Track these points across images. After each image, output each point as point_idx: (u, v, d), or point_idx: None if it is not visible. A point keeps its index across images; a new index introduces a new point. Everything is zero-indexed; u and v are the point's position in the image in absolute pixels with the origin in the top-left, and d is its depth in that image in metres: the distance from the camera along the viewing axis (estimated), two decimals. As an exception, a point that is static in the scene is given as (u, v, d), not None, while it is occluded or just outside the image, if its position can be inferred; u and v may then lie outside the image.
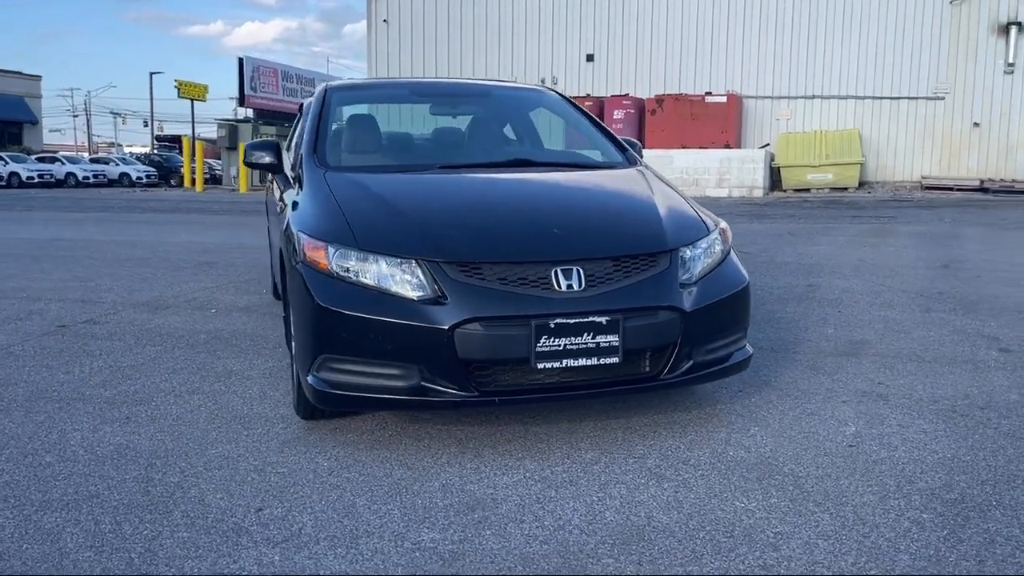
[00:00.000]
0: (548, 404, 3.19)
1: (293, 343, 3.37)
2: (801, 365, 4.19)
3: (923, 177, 18.04)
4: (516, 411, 3.36)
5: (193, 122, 47.72)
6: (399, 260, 2.87)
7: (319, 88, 4.41)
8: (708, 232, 3.29)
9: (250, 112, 29.33)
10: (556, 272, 2.86)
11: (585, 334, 2.81)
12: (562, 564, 2.25)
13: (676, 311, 2.95)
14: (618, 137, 4.25)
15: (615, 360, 2.87)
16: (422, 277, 2.84)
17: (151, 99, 58.45)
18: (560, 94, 4.73)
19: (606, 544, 2.35)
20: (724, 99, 18.27)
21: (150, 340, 4.81)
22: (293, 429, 3.30)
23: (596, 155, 4.11)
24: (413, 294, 2.82)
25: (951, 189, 17.29)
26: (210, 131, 52.99)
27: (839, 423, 3.34)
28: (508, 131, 4.46)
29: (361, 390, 2.89)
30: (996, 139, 17.86)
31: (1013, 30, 17.47)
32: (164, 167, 36.61)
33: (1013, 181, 17.15)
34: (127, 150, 54.52)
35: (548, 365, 2.81)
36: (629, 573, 2.20)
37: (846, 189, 17.67)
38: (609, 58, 20.11)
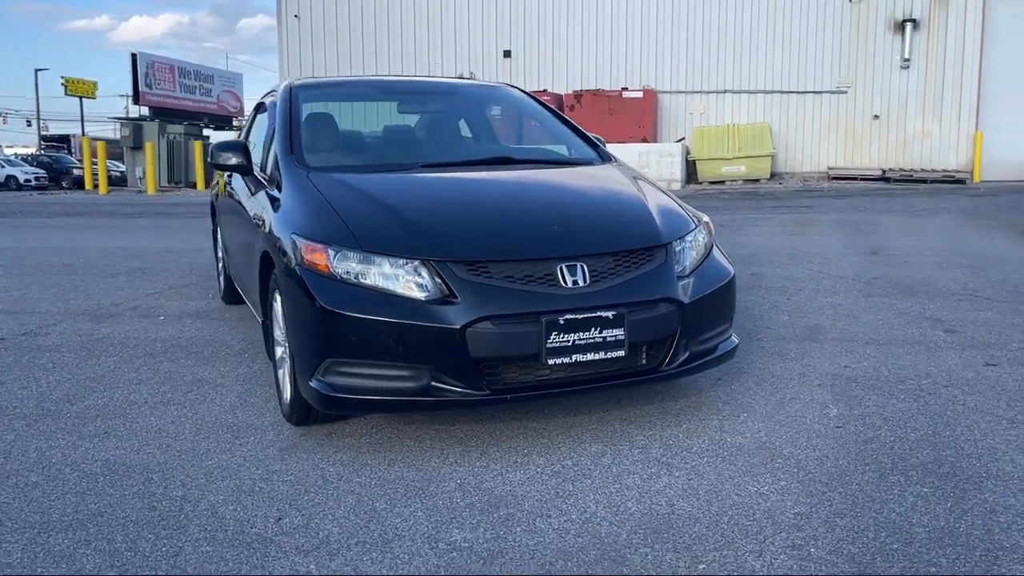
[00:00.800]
0: (556, 399, 3.21)
1: (283, 348, 3.30)
2: (767, 352, 4.33)
3: (829, 168, 18.83)
4: (519, 408, 3.38)
5: (83, 121, 45.56)
6: (403, 261, 2.85)
7: (282, 86, 4.31)
8: (694, 226, 3.37)
9: (145, 110, 28.27)
10: (561, 269, 2.89)
11: (592, 329, 2.85)
12: (601, 556, 2.28)
13: (675, 303, 3.03)
14: (588, 134, 4.31)
15: (620, 353, 2.92)
16: (427, 277, 2.82)
17: (36, 97, 55.45)
18: (523, 91, 4.76)
19: (638, 534, 2.40)
20: (640, 94, 18.64)
21: (103, 351, 4.62)
22: (286, 436, 3.23)
23: (569, 151, 4.15)
24: (420, 294, 2.81)
25: (855, 179, 18.11)
26: (100, 130, 50.63)
27: (820, 406, 3.48)
28: (479, 128, 4.45)
29: (370, 392, 2.85)
30: (895, 131, 18.80)
31: (908, 27, 18.40)
32: (54, 168, 34.73)
33: (912, 170, 18.09)
34: (7, 151, 51.56)
35: (558, 361, 2.84)
36: (670, 561, 2.25)
37: (758, 180, 18.28)
38: (527, 54, 20.24)
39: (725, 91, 19.26)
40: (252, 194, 3.92)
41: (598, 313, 2.86)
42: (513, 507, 2.59)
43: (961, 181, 17.54)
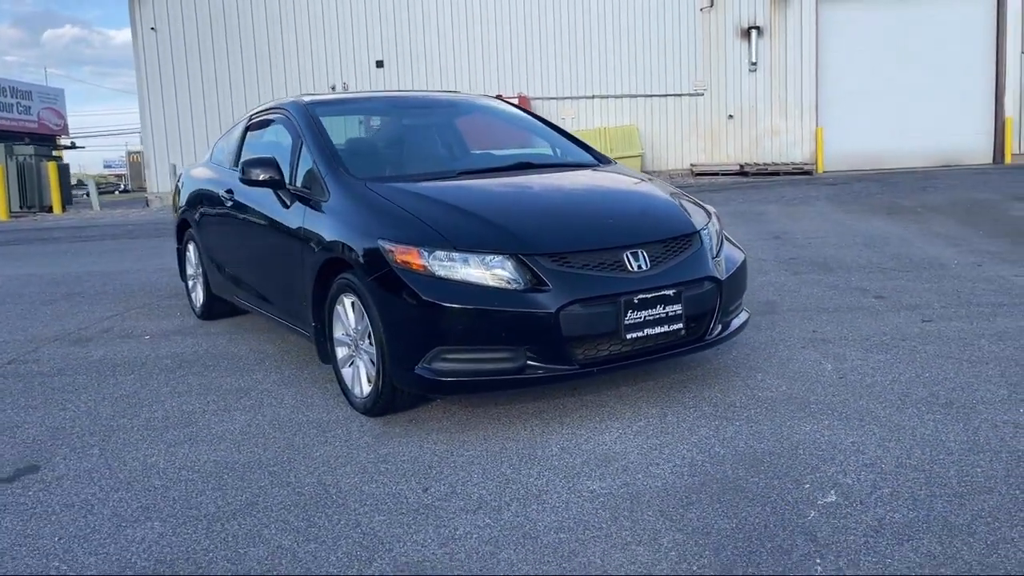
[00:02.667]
0: (629, 369, 3.61)
1: (348, 347, 3.58)
2: (742, 325, 4.94)
3: (692, 165, 20.19)
4: (597, 380, 3.77)
5: None
6: (493, 256, 3.20)
7: (296, 104, 4.52)
8: (710, 216, 3.91)
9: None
10: (627, 255, 3.34)
11: (658, 306, 3.32)
12: (722, 488, 2.74)
13: (715, 281, 3.54)
14: (580, 139, 4.79)
15: (679, 326, 3.40)
16: (515, 270, 3.19)
17: None
18: (509, 102, 5.17)
19: (739, 470, 2.88)
20: (516, 101, 19.28)
21: (114, 371, 4.65)
22: (371, 427, 3.50)
23: (578, 156, 4.60)
24: (512, 285, 3.18)
25: (717, 174, 19.53)
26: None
27: (815, 363, 4.09)
28: (485, 138, 4.83)
29: (472, 375, 3.19)
30: (748, 129, 20.39)
31: (754, 34, 20.03)
32: None
33: (765, 164, 19.71)
34: None
35: (633, 335, 3.29)
36: (777, 485, 2.75)
37: (629, 180, 19.36)
38: (400, 63, 20.47)
39: (594, 96, 20.25)
40: (286, 207, 4.11)
41: (662, 292, 3.33)
42: (623, 460, 3.01)
43: (808, 172, 19.27)
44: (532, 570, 2.28)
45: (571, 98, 20.34)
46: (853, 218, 9.92)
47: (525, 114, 5.01)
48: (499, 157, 4.52)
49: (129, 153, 66.36)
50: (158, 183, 20.93)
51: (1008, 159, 19.60)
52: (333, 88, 20.80)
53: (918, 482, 2.70)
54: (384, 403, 3.46)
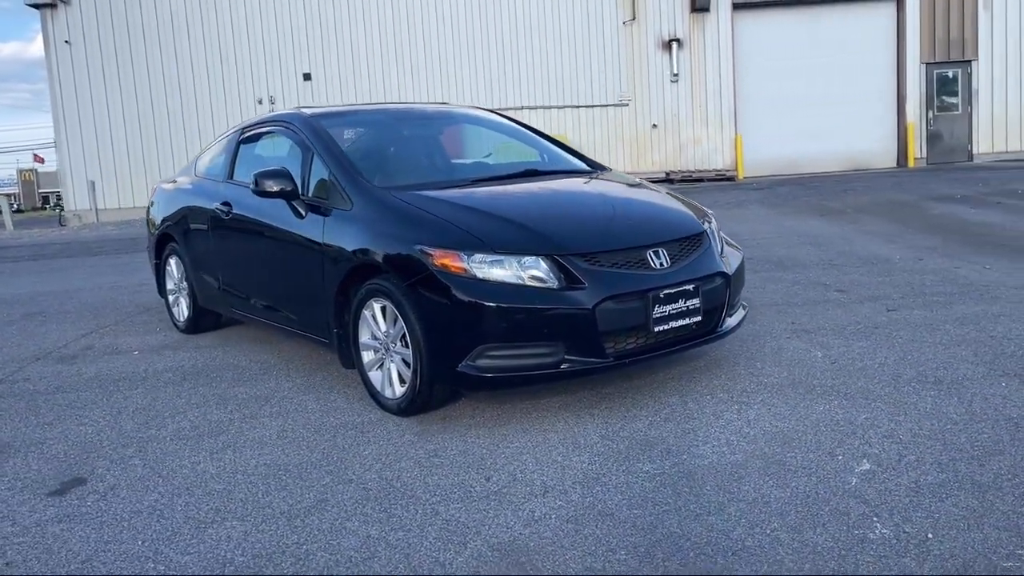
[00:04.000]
0: (655, 360, 3.81)
1: (377, 350, 3.72)
2: (724, 320, 5.24)
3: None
4: (627, 371, 3.94)
5: None
6: (530, 257, 3.39)
7: (300, 116, 4.61)
8: (709, 217, 4.19)
9: None
10: (650, 254, 3.58)
11: (680, 300, 3.57)
12: (767, 463, 2.99)
13: (725, 276, 3.82)
14: (573, 148, 5.02)
15: (698, 319, 3.66)
16: (548, 270, 3.39)
17: None
18: (496, 112, 5.38)
19: (774, 446, 3.14)
20: (446, 112, 19.47)
21: (118, 386, 4.63)
22: (409, 425, 3.63)
23: (576, 163, 4.83)
24: (550, 284, 3.37)
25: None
26: None
27: (805, 351, 4.41)
28: (484, 146, 5.01)
29: (515, 371, 3.37)
30: (671, 137, 21.10)
31: (675, 46, 20.77)
32: None
33: (690, 171, 20.44)
34: None
35: (660, 328, 3.52)
36: (814, 457, 3.01)
37: (560, 188, 19.80)
38: (327, 76, 20.37)
39: (523, 107, 20.59)
40: (300, 217, 4.20)
41: (684, 287, 3.57)
42: (663, 444, 3.24)
43: (731, 178, 20.06)
44: (621, 543, 2.47)
45: (505, 109, 20.63)
46: (790, 219, 10.46)
47: (516, 124, 5.21)
48: (507, 165, 4.71)
49: (20, 171, 62.67)
50: (76, 201, 20.26)
51: (911, 163, 20.82)
52: (260, 102, 20.57)
53: (936, 449, 3.00)
54: (421, 402, 3.60)
